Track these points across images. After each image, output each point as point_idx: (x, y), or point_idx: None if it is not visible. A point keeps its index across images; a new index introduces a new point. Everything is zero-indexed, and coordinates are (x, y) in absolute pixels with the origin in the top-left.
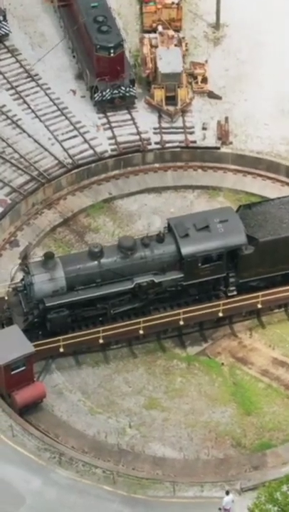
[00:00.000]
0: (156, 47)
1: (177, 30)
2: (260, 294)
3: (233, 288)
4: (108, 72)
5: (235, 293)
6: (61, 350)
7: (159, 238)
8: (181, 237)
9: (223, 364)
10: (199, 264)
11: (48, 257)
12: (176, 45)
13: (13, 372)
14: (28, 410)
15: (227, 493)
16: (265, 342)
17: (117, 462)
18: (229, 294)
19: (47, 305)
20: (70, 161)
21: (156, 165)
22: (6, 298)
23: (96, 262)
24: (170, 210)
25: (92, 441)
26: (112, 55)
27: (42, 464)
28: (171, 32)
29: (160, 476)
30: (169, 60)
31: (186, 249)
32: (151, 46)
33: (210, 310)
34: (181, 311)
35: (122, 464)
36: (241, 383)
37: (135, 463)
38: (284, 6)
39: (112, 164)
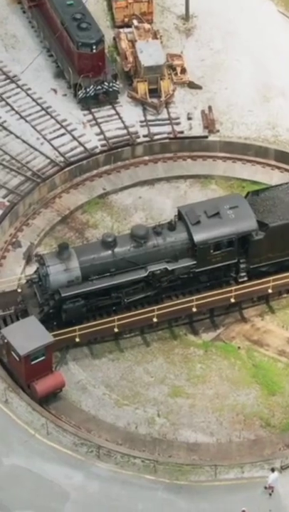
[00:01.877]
0: (132, 41)
1: (149, 23)
2: (271, 278)
3: (244, 274)
4: (90, 69)
5: (245, 279)
6: (77, 340)
7: (171, 226)
8: (193, 225)
9: (239, 348)
10: (211, 251)
11: (63, 247)
12: (153, 38)
13: (32, 363)
14: (47, 400)
15: (272, 470)
16: (277, 323)
17: (152, 451)
18: (240, 280)
19: (62, 295)
20: (61, 159)
21: (146, 157)
22: (20, 290)
23: (110, 252)
24: (165, 201)
25: (125, 433)
26: (94, 51)
27: (81, 459)
28: (147, 25)
29: (200, 461)
30: (150, 53)
31: (199, 236)
32: (128, 41)
33: (222, 296)
34: (194, 297)
35: (158, 452)
36: (261, 365)
37: (170, 450)
38: None
39: (102, 160)
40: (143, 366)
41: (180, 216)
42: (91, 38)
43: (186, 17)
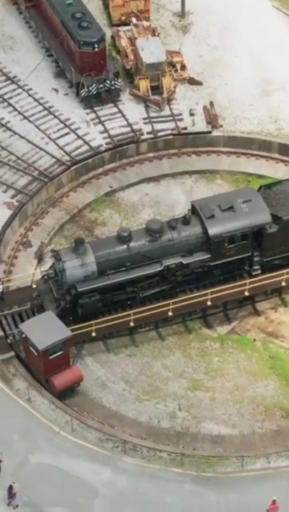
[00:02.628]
0: (131, 39)
1: (146, 21)
2: (284, 271)
3: (258, 267)
4: (92, 67)
5: (259, 272)
6: (93, 334)
7: (185, 220)
8: (208, 218)
9: (255, 340)
10: (226, 244)
11: (79, 242)
12: (152, 36)
13: (50, 357)
14: (66, 396)
15: None
16: None
17: (176, 445)
18: (253, 273)
19: (79, 290)
20: (67, 158)
21: (151, 154)
22: (34, 286)
23: (125, 246)
24: (172, 197)
25: (148, 428)
26: (96, 49)
27: (107, 455)
28: (146, 23)
29: (225, 453)
30: (151, 50)
31: (213, 230)
32: (128, 38)
33: (236, 289)
34: (208, 291)
35: (182, 445)
36: (277, 356)
37: (194, 443)
38: None
39: (108, 158)
40: (160, 361)
41: (194, 210)
42: (93, 36)
43: (182, 14)
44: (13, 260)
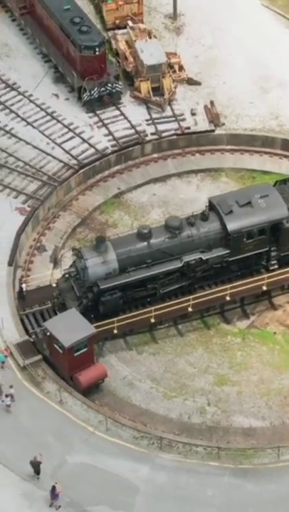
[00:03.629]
0: (128, 42)
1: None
2: None
3: (275, 262)
4: (94, 71)
5: (276, 266)
6: (115, 331)
7: (204, 216)
8: (226, 214)
9: (275, 333)
10: (244, 240)
11: (100, 240)
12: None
13: (75, 354)
14: (90, 391)
15: None
16: None
17: (209, 439)
18: (271, 268)
19: (101, 287)
20: (75, 162)
21: (155, 155)
22: (54, 285)
23: (146, 243)
24: (179, 196)
25: (179, 424)
26: (97, 53)
27: (143, 452)
28: (142, 25)
29: (259, 444)
30: (150, 52)
31: (232, 225)
32: (125, 41)
33: (255, 284)
34: (228, 286)
35: (215, 439)
36: None
37: (227, 437)
38: None
39: (114, 160)
40: (184, 358)
41: (211, 207)
42: (93, 40)
43: (174, 16)
44: (29, 265)
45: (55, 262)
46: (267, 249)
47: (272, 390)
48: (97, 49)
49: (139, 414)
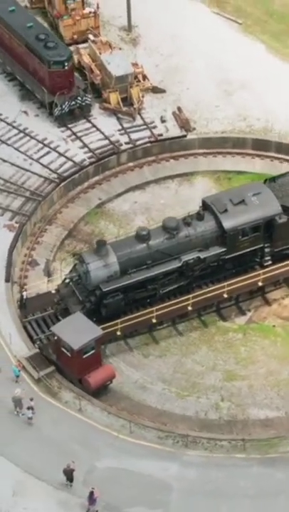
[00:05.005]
0: (90, 55)
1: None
2: None
3: (269, 258)
4: (63, 86)
5: (270, 262)
6: (118, 333)
7: (200, 216)
8: (221, 213)
9: (274, 326)
10: (240, 237)
11: (101, 244)
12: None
13: (84, 357)
14: (99, 392)
15: None
16: None
17: (230, 433)
18: (265, 264)
19: (104, 290)
20: (55, 175)
21: (131, 164)
22: (54, 292)
23: (145, 245)
24: (160, 202)
25: (198, 421)
26: (66, 67)
27: (170, 451)
28: (103, 38)
29: (280, 433)
30: (117, 63)
31: (228, 223)
32: (88, 55)
33: (251, 280)
34: (225, 283)
35: (236, 433)
36: None
37: (247, 429)
38: None
39: (92, 171)
40: (190, 357)
41: (205, 207)
42: (61, 55)
43: (129, 28)
44: (24, 280)
45: (49, 274)
46: (261, 245)
47: (282, 381)
48: (65, 63)
49: (158, 415)
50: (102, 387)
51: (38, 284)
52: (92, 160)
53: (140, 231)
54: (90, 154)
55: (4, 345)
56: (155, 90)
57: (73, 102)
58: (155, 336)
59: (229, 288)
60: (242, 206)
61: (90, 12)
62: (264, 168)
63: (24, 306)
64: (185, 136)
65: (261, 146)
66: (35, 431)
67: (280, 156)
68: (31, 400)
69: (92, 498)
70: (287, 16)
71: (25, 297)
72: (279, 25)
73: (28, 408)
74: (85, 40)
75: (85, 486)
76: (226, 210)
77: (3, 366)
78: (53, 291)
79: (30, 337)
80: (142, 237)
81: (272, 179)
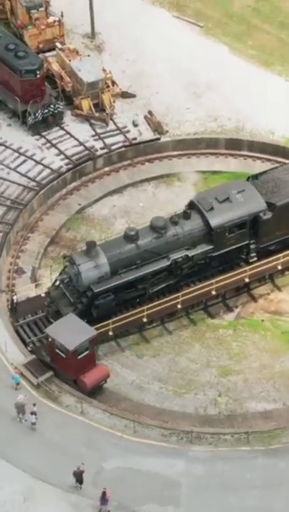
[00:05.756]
0: (59, 63)
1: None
2: (280, 255)
3: (254, 254)
4: (36, 94)
5: (255, 259)
6: (110, 333)
7: (186, 215)
8: (208, 211)
9: (263, 320)
10: (226, 234)
11: (91, 245)
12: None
13: (79, 357)
14: (94, 393)
15: None
16: (287, 292)
17: (231, 427)
18: (250, 261)
19: (95, 291)
20: (34, 183)
21: (107, 168)
22: (43, 295)
23: (134, 245)
24: (139, 205)
25: (198, 417)
26: (37, 76)
27: (175, 447)
28: (71, 46)
29: (283, 424)
30: (88, 70)
31: (214, 221)
32: (57, 63)
33: (238, 277)
34: (213, 281)
35: (237, 426)
36: None
37: (247, 422)
38: (135, 2)
39: (69, 178)
40: (184, 356)
41: (191, 205)
42: (33, 64)
43: (92, 35)
44: (12, 288)
45: (36, 281)
46: (247, 242)
47: (276, 374)
48: (37, 72)
49: (158, 413)
50: (97, 387)
51: (26, 289)
52: (70, 166)
53: (129, 231)
54: (66, 161)
55: (0, 354)
56: (125, 95)
57: (46, 110)
58: (146, 336)
59: (217, 285)
60: (227, 204)
61: (55, 21)
62: (238, 167)
63: (15, 310)
64: (159, 139)
65: (234, 145)
66: (40, 436)
67: (252, 154)
68: (34, 405)
69: (104, 499)
70: (246, 17)
71: (15, 301)
72: (240, 27)
73: (32, 413)
74: (51, 49)
75: (95, 488)
76: (212, 208)
77: (1, 374)
78: (43, 295)
79: (23, 340)
80: (130, 237)
81: (255, 176)
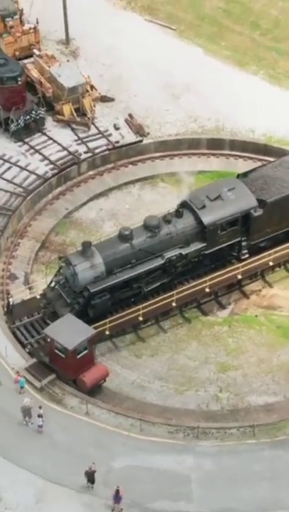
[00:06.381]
0: (38, 69)
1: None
2: (271, 251)
3: (246, 251)
4: (17, 101)
5: (247, 256)
6: (107, 332)
7: (179, 214)
8: (200, 209)
9: (257, 316)
10: (219, 232)
11: (86, 246)
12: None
13: (78, 357)
14: (94, 392)
15: None
16: (278, 287)
17: (235, 421)
18: (242, 258)
19: (92, 291)
20: (21, 189)
21: (91, 172)
22: (38, 297)
23: (128, 244)
24: (125, 207)
25: (201, 413)
26: (19, 83)
27: (182, 444)
28: (48, 52)
29: (286, 416)
30: (68, 75)
31: (207, 219)
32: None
33: (231, 274)
34: (206, 278)
35: (240, 420)
36: (283, 324)
37: (250, 416)
38: (106, 7)
39: (55, 183)
40: (182, 354)
41: (182, 204)
42: (14, 71)
43: (67, 41)
44: (8, 291)
45: (29, 287)
46: (239, 239)
47: (274, 367)
48: (18, 79)
49: (162, 411)
50: (96, 386)
51: (21, 292)
52: (55, 171)
53: (123, 231)
54: (51, 166)
55: (0, 359)
56: (104, 99)
57: (28, 117)
58: (143, 335)
59: (211, 282)
60: (219, 201)
61: (30, 28)
62: (220, 166)
63: (11, 312)
64: (141, 141)
65: (215, 145)
66: (47, 438)
67: (234, 153)
68: (40, 407)
69: (118, 497)
70: (218, 19)
71: (12, 303)
72: (212, 28)
73: (39, 416)
74: (28, 56)
75: (106, 487)
76: (204, 206)
77: (3, 379)
78: (38, 297)
79: (21, 342)
80: (125, 236)
81: (244, 174)
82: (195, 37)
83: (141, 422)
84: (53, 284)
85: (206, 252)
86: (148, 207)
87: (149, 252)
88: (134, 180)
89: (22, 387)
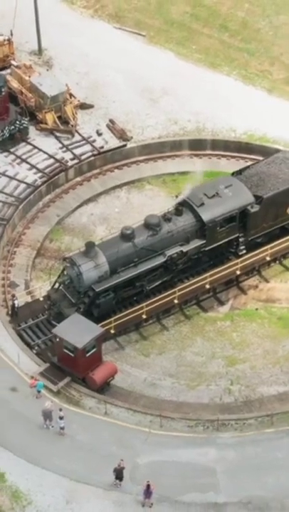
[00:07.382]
0: (18, 80)
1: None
2: (268, 247)
3: (243, 247)
4: (1, 112)
5: (244, 251)
6: (112, 331)
7: (178, 212)
8: (198, 206)
9: (257, 309)
10: (218, 228)
11: (90, 246)
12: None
13: (87, 355)
14: (103, 389)
15: None
16: (275, 281)
17: (249, 411)
18: (240, 254)
19: (97, 290)
20: (12, 199)
21: (78, 178)
22: (42, 298)
23: (130, 243)
24: (115, 210)
25: (216, 406)
26: (2, 93)
27: (203, 437)
28: (26, 63)
29: None
30: (49, 84)
31: (206, 216)
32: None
33: (230, 269)
34: (207, 275)
35: (255, 411)
36: (285, 316)
37: (265, 406)
38: (74, 16)
39: (44, 191)
40: (188, 350)
41: (181, 203)
42: None
43: (40, 51)
44: (9, 301)
45: (29, 293)
46: (236, 235)
47: (281, 358)
48: (2, 90)
49: (177, 407)
50: (105, 384)
51: (23, 295)
52: (44, 179)
53: (125, 230)
54: (40, 174)
55: (14, 366)
56: (83, 106)
57: (13, 127)
58: (147, 334)
59: (211, 279)
60: (217, 198)
61: (5, 40)
62: (204, 166)
63: (16, 314)
64: (125, 145)
65: (197, 145)
66: (70, 440)
67: (216, 152)
68: (60, 410)
69: (148, 492)
70: (186, 23)
71: (17, 305)
72: (181, 33)
73: (60, 418)
74: (3, 68)
75: (133, 483)
76: (202, 204)
77: (18, 385)
78: (41, 298)
79: (27, 344)
80: (127, 235)
81: (239, 172)
82: (165, 42)
83: (161, 418)
84: (57, 285)
85: (206, 249)
86: (137, 209)
87: (151, 251)
88: (121, 184)
89: (39, 392)
